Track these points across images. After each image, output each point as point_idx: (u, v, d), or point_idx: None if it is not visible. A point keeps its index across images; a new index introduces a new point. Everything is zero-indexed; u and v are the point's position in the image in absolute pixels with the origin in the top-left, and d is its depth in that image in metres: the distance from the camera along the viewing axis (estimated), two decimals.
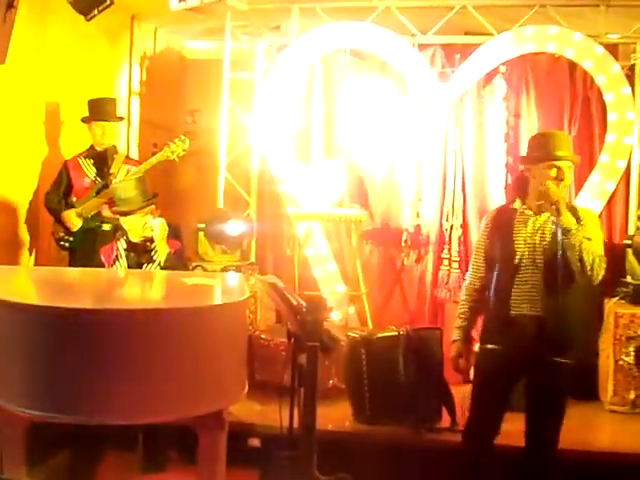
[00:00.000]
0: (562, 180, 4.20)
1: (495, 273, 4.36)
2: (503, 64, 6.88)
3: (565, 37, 6.70)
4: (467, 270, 6.88)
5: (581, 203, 6.76)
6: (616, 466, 5.09)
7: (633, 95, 6.73)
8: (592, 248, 4.10)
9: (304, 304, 3.94)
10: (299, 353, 3.98)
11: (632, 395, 6.07)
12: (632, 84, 6.74)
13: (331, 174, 6.97)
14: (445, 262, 7.03)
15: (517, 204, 4.37)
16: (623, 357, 6.09)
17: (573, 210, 4.25)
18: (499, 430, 4.33)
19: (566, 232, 4.04)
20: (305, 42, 7.11)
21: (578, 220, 4.15)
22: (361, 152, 7.18)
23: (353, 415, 5.56)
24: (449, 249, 7.02)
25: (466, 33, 7.12)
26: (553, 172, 4.21)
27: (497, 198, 6.92)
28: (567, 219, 4.07)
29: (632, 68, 6.79)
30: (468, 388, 6.15)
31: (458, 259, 6.99)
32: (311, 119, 7.31)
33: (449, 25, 6.95)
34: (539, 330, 4.14)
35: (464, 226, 7.02)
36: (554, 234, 4.10)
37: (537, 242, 4.21)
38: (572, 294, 4.16)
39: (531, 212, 4.29)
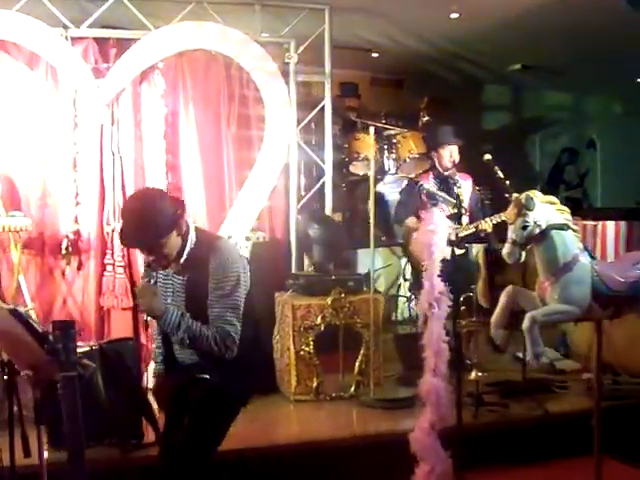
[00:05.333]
0: None
1: None
2: (161, 60, 6.67)
3: (222, 34, 6.69)
4: (132, 274, 6.75)
5: (244, 199, 6.84)
6: (307, 455, 5.25)
7: (288, 92, 6.92)
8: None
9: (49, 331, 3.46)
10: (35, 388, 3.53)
11: (314, 383, 6.27)
12: (287, 82, 6.94)
13: None
14: (109, 268, 6.64)
15: None
16: (303, 347, 6.26)
17: (207, 252, 3.89)
18: None
19: None
20: None
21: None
22: (10, 154, 6.45)
23: (49, 442, 4.97)
24: (112, 254, 6.63)
25: (121, 28, 6.77)
26: None
27: None
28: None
29: (287, 66, 6.99)
30: None
31: (123, 264, 6.64)
32: None
33: (104, 18, 6.57)
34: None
35: None
36: None
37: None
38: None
39: None
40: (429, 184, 6.28)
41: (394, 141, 8.22)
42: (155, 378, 4.33)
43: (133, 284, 6.72)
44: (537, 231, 4.79)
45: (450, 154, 6.65)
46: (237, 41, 6.70)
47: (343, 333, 6.44)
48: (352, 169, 8.20)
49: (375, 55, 9.03)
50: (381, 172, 8.18)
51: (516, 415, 5.93)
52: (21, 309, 3.63)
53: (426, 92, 9.45)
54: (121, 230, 3.97)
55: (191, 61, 6.77)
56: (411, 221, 6.60)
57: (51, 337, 3.42)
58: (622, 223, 7.21)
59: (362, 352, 6.42)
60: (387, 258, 7.56)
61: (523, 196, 4.82)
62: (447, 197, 5.08)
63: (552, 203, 4.94)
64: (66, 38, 6.47)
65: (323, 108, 7.24)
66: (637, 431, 5.85)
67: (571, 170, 10.88)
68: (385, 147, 8.23)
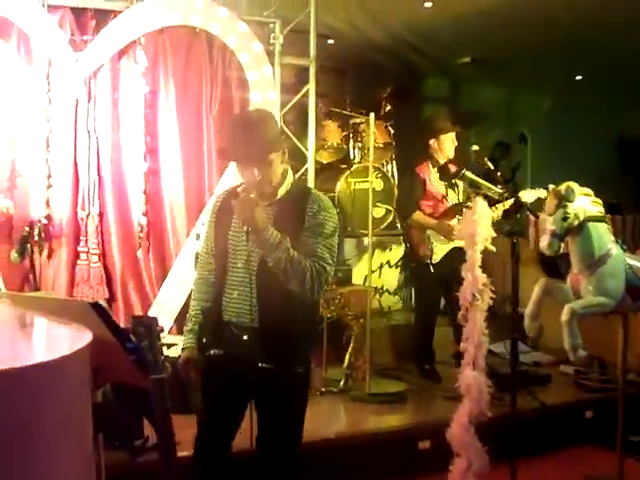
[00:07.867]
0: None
1: (216, 271, 3.66)
2: (142, 36, 6.24)
3: (211, 11, 6.33)
4: (106, 263, 6.32)
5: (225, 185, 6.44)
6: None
7: (273, 75, 6.63)
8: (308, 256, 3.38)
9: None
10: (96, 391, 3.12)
11: None
12: (272, 64, 6.65)
13: None
14: (83, 256, 6.18)
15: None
16: None
17: (303, 195, 3.55)
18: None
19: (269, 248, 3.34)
20: None
21: (302, 212, 3.45)
22: None
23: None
24: (86, 241, 6.18)
25: None
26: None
27: (137, 182, 6.34)
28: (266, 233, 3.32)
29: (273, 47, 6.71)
30: None
31: (97, 252, 6.20)
32: None
33: None
34: (252, 339, 3.45)
35: (102, 215, 6.25)
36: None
37: (248, 239, 3.44)
38: (290, 301, 3.43)
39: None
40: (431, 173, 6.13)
41: (360, 130, 8.01)
42: (187, 351, 3.67)
43: (108, 274, 6.32)
44: (575, 223, 4.72)
45: (452, 141, 6.42)
46: (224, 19, 6.35)
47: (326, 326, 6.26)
48: (317, 157, 7.93)
49: (331, 42, 8.81)
50: (347, 160, 7.97)
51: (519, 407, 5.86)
52: (102, 302, 3.23)
53: (369, 82, 9.28)
54: (230, 143, 3.57)
55: (173, 38, 6.37)
56: (418, 216, 6.37)
57: (132, 335, 3.07)
58: None
59: (352, 345, 6.23)
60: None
61: (563, 187, 4.72)
62: (491, 185, 4.94)
63: (587, 195, 4.87)
64: (42, 5, 5.95)
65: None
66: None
67: (504, 165, 10.94)
68: (351, 135, 8.02)
